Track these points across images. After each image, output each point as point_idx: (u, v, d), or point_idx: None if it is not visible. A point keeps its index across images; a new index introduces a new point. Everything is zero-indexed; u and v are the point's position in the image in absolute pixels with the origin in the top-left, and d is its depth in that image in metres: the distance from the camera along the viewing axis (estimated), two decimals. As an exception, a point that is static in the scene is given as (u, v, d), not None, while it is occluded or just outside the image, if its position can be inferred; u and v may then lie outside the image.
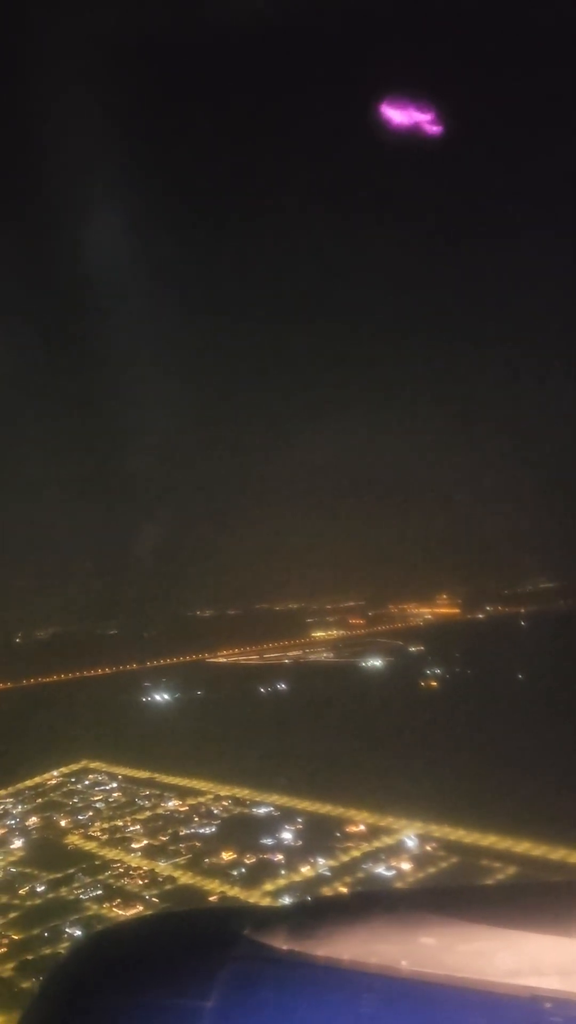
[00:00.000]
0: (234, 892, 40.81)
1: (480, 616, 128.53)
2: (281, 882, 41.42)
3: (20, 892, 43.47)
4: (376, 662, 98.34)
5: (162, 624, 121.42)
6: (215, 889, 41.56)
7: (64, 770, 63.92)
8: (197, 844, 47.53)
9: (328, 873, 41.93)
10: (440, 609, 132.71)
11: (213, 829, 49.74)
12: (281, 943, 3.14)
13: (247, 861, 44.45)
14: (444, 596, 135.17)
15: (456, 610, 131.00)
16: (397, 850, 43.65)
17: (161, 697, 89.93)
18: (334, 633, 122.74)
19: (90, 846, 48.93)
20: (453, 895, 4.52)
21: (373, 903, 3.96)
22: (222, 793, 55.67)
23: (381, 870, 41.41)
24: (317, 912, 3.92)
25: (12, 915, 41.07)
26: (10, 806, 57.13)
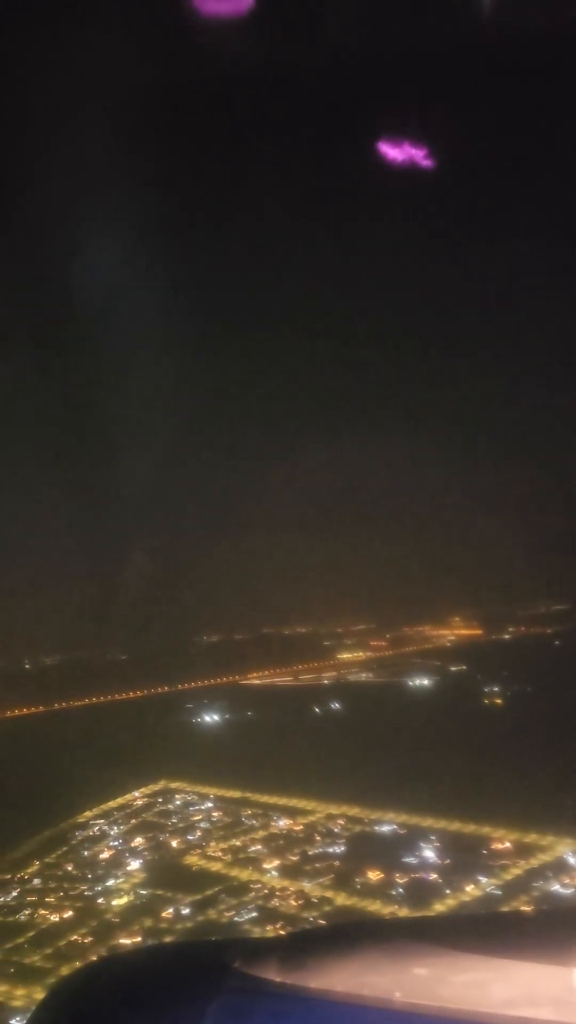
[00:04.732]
0: (404, 912, 38.72)
1: (505, 636, 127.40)
2: (450, 901, 39.44)
3: (164, 915, 40.96)
4: (423, 681, 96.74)
5: (177, 647, 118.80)
6: (380, 909, 39.46)
7: (145, 790, 61.12)
8: (335, 864, 45.33)
9: (498, 892, 40.01)
10: (461, 630, 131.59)
11: (343, 848, 47.57)
12: (273, 975, 3.10)
13: (399, 880, 42.40)
14: (458, 617, 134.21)
15: (478, 630, 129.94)
16: (562, 867, 41.90)
17: (211, 718, 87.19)
18: (361, 655, 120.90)
19: (216, 867, 46.46)
20: (447, 925, 4.63)
21: (366, 934, 3.97)
22: (332, 812, 53.48)
23: (557, 888, 39.61)
24: (309, 943, 3.85)
25: (166, 939, 38.47)
26: (104, 827, 54.40)
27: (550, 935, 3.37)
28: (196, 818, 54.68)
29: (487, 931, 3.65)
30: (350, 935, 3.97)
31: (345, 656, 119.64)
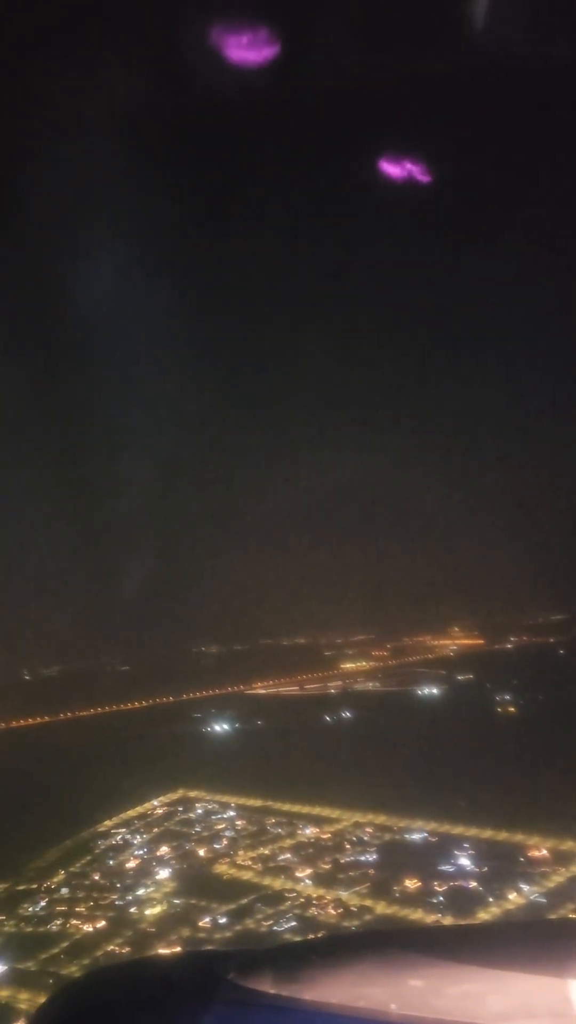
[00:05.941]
0: (447, 921, 37.98)
1: (508, 646, 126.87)
2: (494, 909, 38.76)
3: (201, 924, 40.12)
4: (431, 690, 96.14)
5: (181, 658, 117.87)
6: (423, 917, 38.74)
7: (164, 799, 60.20)
8: (370, 872, 44.61)
9: (543, 900, 39.38)
10: (462, 639, 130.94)
11: (375, 857, 46.82)
12: (267, 987, 3.10)
13: (439, 889, 41.69)
14: (456, 627, 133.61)
15: (480, 640, 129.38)
16: (605, 874, 41.30)
17: (221, 727, 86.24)
18: (364, 664, 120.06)
19: (247, 875, 45.65)
20: (442, 936, 4.65)
21: (361, 945, 3.94)
22: (359, 820, 52.71)
23: (603, 895, 39.03)
24: (303, 955, 3.83)
25: (207, 948, 37.59)
26: (128, 836, 53.48)
27: (545, 947, 3.38)
28: (220, 827, 53.82)
29: (482, 942, 3.65)
30: (345, 946, 4.00)
31: (347, 666, 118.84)
